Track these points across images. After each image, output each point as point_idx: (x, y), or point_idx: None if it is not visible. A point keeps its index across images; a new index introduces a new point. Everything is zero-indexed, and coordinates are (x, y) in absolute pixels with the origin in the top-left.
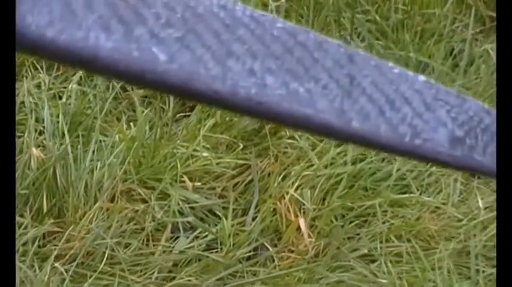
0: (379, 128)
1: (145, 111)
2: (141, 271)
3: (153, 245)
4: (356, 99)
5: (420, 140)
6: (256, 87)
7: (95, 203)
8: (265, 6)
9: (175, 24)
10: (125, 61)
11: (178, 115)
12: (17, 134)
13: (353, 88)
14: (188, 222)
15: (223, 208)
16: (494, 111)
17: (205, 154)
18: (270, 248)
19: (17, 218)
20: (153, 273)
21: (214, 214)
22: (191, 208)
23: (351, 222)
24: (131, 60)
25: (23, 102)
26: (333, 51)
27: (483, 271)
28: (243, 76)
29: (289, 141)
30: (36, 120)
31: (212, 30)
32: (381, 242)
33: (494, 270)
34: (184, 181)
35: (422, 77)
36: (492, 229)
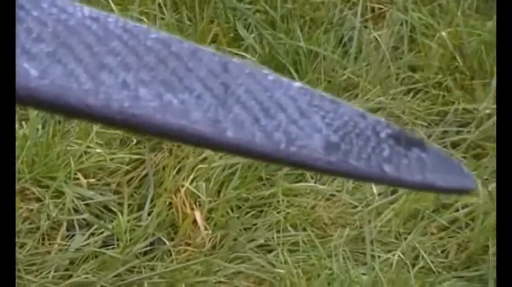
0: (254, 137)
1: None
2: (37, 270)
3: (49, 244)
4: (230, 108)
5: (295, 147)
6: (130, 99)
7: None
8: None
9: (47, 39)
10: None
11: None
12: None
13: (227, 97)
14: (84, 219)
15: (119, 203)
16: (369, 115)
17: (98, 150)
18: (167, 242)
19: None
20: (50, 272)
21: (110, 210)
22: (86, 205)
23: (247, 213)
24: None
25: None
26: (207, 60)
27: (379, 257)
28: (116, 89)
29: None
30: None
31: (84, 43)
32: (277, 231)
33: (389, 255)
34: (78, 178)
35: (297, 83)
36: (386, 215)
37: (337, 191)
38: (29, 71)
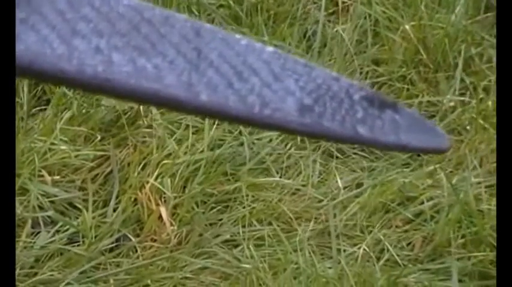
0: (227, 100)
1: None
2: None
3: None
4: (204, 72)
5: (269, 110)
6: (103, 64)
7: None
8: None
9: (19, 5)
10: None
11: (34, 109)
12: None
13: (200, 61)
14: (48, 216)
15: (84, 200)
16: (342, 78)
17: (63, 147)
18: (133, 239)
19: None
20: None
21: (75, 207)
22: (51, 202)
23: (212, 208)
24: None
25: None
26: (180, 26)
27: (344, 250)
28: (89, 54)
29: (147, 130)
30: None
31: (57, 10)
32: (243, 226)
33: (355, 249)
34: (43, 175)
35: (270, 48)
36: (352, 208)
37: (302, 185)
38: None
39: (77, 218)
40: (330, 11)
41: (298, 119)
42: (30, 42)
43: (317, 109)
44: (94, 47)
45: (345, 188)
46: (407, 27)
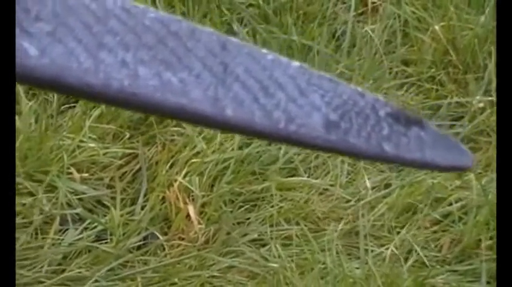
0: (253, 115)
1: (30, 103)
2: (30, 264)
3: (42, 239)
4: (229, 87)
5: (295, 125)
6: (129, 78)
7: None
8: None
9: (46, 18)
10: None
11: (63, 107)
12: None
13: (226, 76)
14: (77, 214)
15: (112, 198)
16: (368, 93)
17: (91, 145)
18: (160, 237)
19: None
20: (43, 266)
21: (103, 205)
22: (79, 199)
23: (240, 207)
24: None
25: None
26: (206, 40)
27: (372, 251)
28: (116, 68)
29: (176, 129)
30: None
31: (83, 22)
32: (271, 226)
33: (382, 249)
34: (71, 173)
35: (296, 63)
36: (379, 209)
37: (331, 185)
38: (28, 49)
39: (105, 215)
40: (359, 11)
41: (324, 135)
42: (56, 56)
43: (343, 125)
44: (120, 60)
45: (373, 188)
46: (436, 27)
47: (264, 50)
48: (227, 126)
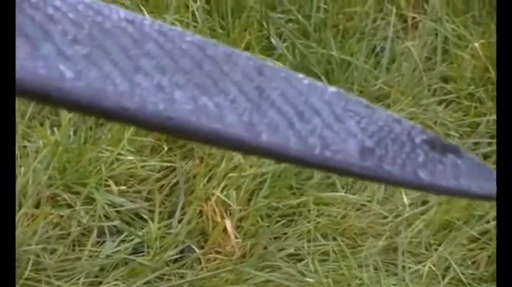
0: (288, 141)
1: (69, 115)
2: (67, 276)
3: (79, 250)
4: (265, 112)
5: (330, 151)
6: (165, 102)
7: (19, 210)
8: (186, 7)
9: (83, 41)
10: (31, 79)
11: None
12: None
13: (262, 101)
14: (114, 226)
15: (149, 211)
16: (404, 120)
17: (130, 158)
18: (197, 250)
19: None
20: (80, 278)
21: (141, 217)
22: (117, 211)
23: (277, 222)
24: (37, 78)
25: None
26: (242, 64)
27: (409, 267)
28: (151, 92)
29: None
30: None
31: (120, 45)
32: (308, 241)
33: (419, 266)
34: (109, 185)
35: (332, 88)
36: (417, 225)
37: (368, 201)
38: (64, 72)
39: (142, 228)
40: (399, 27)
41: (359, 162)
42: (92, 79)
43: (378, 152)
44: (156, 84)
45: (410, 205)
46: (476, 45)
47: (300, 75)
48: (262, 152)
